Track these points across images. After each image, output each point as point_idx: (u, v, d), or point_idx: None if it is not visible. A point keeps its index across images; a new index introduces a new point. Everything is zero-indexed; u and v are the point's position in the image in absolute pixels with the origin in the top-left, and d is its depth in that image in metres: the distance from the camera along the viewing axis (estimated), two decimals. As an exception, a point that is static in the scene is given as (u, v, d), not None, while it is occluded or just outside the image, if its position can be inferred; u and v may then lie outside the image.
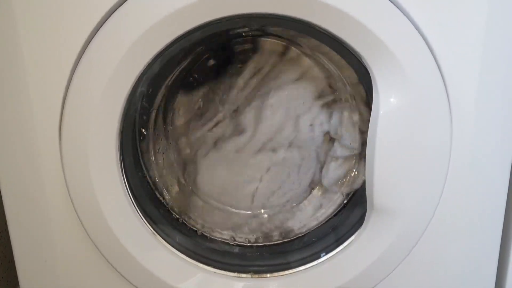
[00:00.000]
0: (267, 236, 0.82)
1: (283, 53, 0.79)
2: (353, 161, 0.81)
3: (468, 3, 0.58)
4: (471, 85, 0.62)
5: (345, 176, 0.81)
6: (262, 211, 0.85)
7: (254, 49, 0.78)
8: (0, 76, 0.60)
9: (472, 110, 0.63)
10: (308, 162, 0.84)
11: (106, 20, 0.57)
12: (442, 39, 0.59)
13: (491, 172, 0.67)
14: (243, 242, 0.81)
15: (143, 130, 0.77)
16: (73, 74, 0.59)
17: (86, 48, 0.58)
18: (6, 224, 0.68)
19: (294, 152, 0.83)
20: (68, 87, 0.60)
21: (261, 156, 0.83)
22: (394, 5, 0.58)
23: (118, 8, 0.57)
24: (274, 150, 0.83)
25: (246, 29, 0.73)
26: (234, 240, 0.81)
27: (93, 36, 0.58)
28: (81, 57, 0.58)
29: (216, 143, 0.82)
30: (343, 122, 0.80)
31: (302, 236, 0.81)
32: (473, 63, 0.61)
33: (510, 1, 0.59)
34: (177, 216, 0.79)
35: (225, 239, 0.80)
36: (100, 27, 0.58)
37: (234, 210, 0.85)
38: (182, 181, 0.84)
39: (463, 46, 0.60)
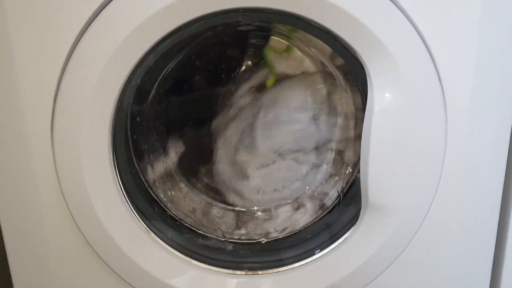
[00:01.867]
0: (261, 233, 0.82)
1: (278, 48, 0.79)
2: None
3: (464, 1, 0.58)
4: (466, 82, 0.61)
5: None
6: (256, 208, 0.85)
7: (249, 44, 0.78)
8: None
9: (467, 107, 0.63)
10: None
11: (98, 14, 0.57)
12: (438, 35, 0.59)
13: (486, 170, 0.67)
14: (236, 239, 0.80)
15: (136, 126, 0.77)
16: (64, 69, 0.59)
17: (77, 43, 0.58)
18: (-1, 223, 0.68)
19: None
20: (59, 83, 0.59)
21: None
22: (391, 1, 0.58)
23: (111, 1, 0.57)
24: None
25: (241, 23, 0.73)
26: (228, 237, 0.81)
27: (85, 30, 0.57)
28: (72, 52, 0.58)
29: (210, 136, 0.83)
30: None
31: (297, 233, 0.81)
32: (469, 59, 0.60)
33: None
34: (170, 212, 0.79)
35: (218, 236, 0.80)
36: (93, 21, 0.57)
37: (228, 207, 0.85)
38: (176, 177, 0.84)
39: (459, 43, 0.60)
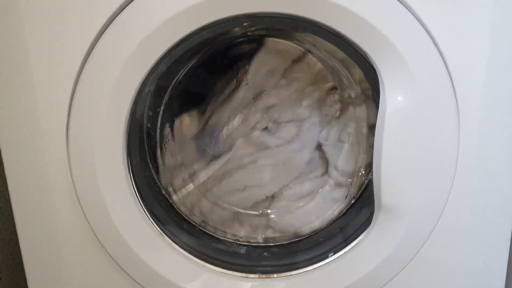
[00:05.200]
0: (274, 236, 0.82)
1: (290, 52, 0.79)
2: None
3: (475, 1, 0.58)
4: (478, 83, 0.61)
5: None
6: (269, 211, 0.85)
7: (260, 49, 0.79)
8: (7, 77, 0.60)
9: (479, 108, 0.62)
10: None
11: (113, 20, 0.58)
12: (449, 37, 0.59)
13: (499, 171, 0.66)
14: (250, 243, 0.81)
15: (150, 130, 0.77)
16: (80, 74, 0.59)
17: (92, 48, 0.58)
18: (14, 226, 0.68)
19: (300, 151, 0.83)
20: (75, 88, 0.60)
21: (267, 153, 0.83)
22: (401, 3, 0.58)
23: (125, 8, 0.57)
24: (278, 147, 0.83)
25: (253, 28, 0.73)
26: (241, 240, 0.81)
27: (100, 36, 0.58)
28: (88, 58, 0.59)
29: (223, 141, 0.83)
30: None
31: (310, 236, 0.81)
32: (480, 60, 0.60)
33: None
34: (184, 216, 0.79)
35: (232, 239, 0.80)
36: (107, 26, 0.58)
37: (241, 211, 0.85)
38: (189, 181, 0.84)
39: (470, 44, 0.60)
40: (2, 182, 0.84)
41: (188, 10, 0.56)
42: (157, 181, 0.78)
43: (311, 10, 0.57)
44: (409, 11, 0.58)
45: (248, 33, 0.75)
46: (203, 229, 0.80)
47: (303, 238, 0.81)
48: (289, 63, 0.80)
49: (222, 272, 0.71)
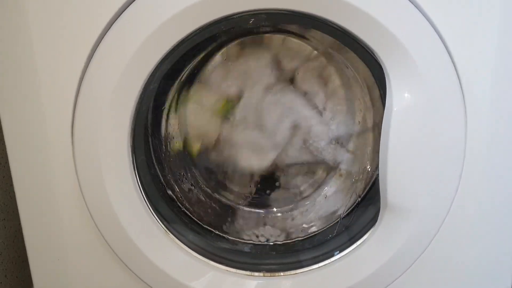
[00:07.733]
0: (279, 234, 0.82)
1: (295, 50, 0.79)
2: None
3: (483, 0, 0.58)
4: (486, 81, 0.61)
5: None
6: (275, 209, 0.85)
7: (266, 46, 0.78)
8: (11, 75, 0.60)
9: (487, 107, 0.62)
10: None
11: (117, 18, 0.58)
12: (457, 34, 0.59)
13: (507, 170, 0.66)
14: (255, 241, 0.81)
15: (155, 128, 0.77)
16: (84, 72, 0.59)
17: (97, 46, 0.58)
18: (20, 224, 0.69)
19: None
20: (79, 86, 0.60)
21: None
22: (409, 0, 0.57)
23: (129, 6, 0.57)
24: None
25: (259, 25, 0.73)
26: (246, 238, 0.81)
27: (104, 34, 0.58)
28: (92, 56, 0.59)
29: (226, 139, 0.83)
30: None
31: (315, 234, 0.81)
32: (488, 58, 0.60)
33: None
34: (189, 214, 0.79)
35: (237, 238, 0.80)
36: (112, 24, 0.58)
37: (246, 209, 0.85)
38: (194, 179, 0.84)
39: (478, 42, 0.59)
40: (7, 180, 0.84)
41: (193, 7, 0.55)
42: (162, 179, 0.78)
43: (319, 7, 0.57)
44: (417, 8, 0.58)
45: (255, 30, 0.75)
46: (207, 227, 0.80)
47: (308, 237, 0.81)
48: (296, 61, 0.79)
49: (227, 270, 0.71)
